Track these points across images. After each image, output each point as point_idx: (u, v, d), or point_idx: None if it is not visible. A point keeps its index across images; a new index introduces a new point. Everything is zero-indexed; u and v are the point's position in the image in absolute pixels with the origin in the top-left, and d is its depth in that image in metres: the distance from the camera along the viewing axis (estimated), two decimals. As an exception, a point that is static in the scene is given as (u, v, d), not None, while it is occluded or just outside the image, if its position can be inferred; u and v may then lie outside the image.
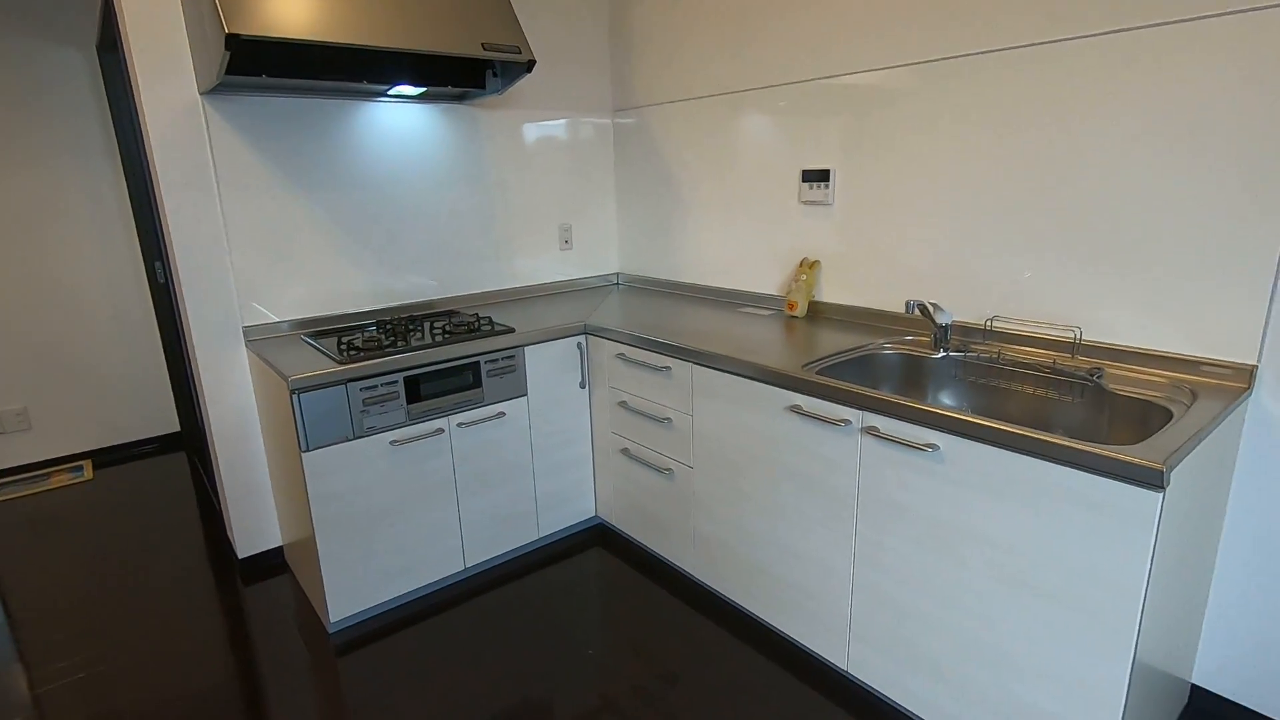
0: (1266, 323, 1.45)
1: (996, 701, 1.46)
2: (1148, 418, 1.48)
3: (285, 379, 1.82)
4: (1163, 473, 1.13)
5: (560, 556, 2.43)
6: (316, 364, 1.92)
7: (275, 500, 2.35)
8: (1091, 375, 1.62)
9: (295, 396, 1.82)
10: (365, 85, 2.14)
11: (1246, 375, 1.48)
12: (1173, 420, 1.34)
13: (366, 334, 2.21)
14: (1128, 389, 1.53)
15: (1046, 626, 1.34)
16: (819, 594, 1.78)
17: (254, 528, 2.36)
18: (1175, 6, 1.45)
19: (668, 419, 2.11)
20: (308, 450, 1.86)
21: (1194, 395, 1.44)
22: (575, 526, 2.57)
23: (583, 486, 2.50)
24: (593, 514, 2.57)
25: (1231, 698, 1.63)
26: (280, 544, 2.43)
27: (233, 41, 1.62)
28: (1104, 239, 1.63)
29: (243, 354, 2.22)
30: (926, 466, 1.47)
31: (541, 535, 2.44)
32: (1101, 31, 1.56)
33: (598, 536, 2.55)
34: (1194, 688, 1.69)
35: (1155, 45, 1.49)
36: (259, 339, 2.23)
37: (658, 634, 2.01)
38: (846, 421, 1.61)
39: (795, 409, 1.72)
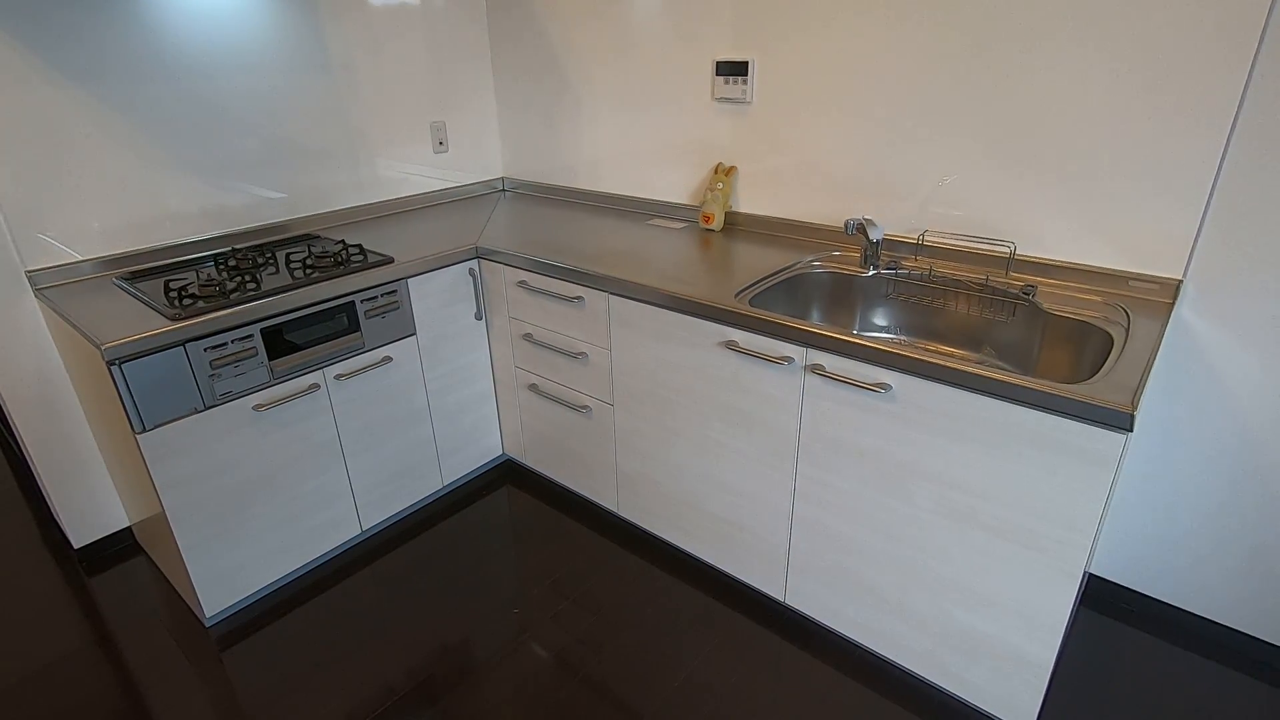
0: (1197, 237, 1.44)
1: (936, 626, 1.48)
2: (1084, 339, 1.46)
3: (98, 346, 1.41)
4: (1132, 416, 1.08)
5: (469, 500, 2.23)
6: (140, 320, 1.52)
7: (112, 477, 1.95)
8: (1025, 293, 1.57)
9: (116, 369, 1.43)
10: (151, -62, 1.60)
11: (1172, 290, 1.48)
12: (1116, 347, 1.32)
13: (203, 274, 1.78)
14: (1062, 308, 1.50)
15: (992, 558, 1.34)
16: (756, 529, 1.72)
17: (88, 511, 1.97)
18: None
19: (583, 354, 1.91)
20: (144, 431, 1.50)
21: (1128, 315, 1.43)
22: (483, 467, 2.37)
23: (487, 425, 2.28)
24: (500, 452, 2.36)
25: (1125, 583, 1.77)
26: (127, 524, 2.05)
27: None
28: (1038, 150, 1.54)
29: (32, 307, 1.74)
30: (876, 406, 1.38)
31: (446, 483, 2.22)
32: (1061, -94, 1.38)
33: (507, 474, 2.37)
34: (1090, 576, 1.82)
35: (1118, -74, 1.33)
36: (55, 285, 1.75)
37: (585, 573, 1.91)
38: (789, 359, 1.48)
39: (730, 344, 1.56)
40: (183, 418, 1.55)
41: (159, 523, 1.67)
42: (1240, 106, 1.31)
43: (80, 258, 1.78)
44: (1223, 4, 1.27)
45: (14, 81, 1.60)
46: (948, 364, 1.26)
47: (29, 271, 1.71)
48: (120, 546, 2.05)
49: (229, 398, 1.61)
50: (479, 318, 2.13)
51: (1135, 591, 1.76)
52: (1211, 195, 1.39)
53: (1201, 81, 1.33)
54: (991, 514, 1.31)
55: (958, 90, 1.60)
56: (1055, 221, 1.58)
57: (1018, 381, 1.19)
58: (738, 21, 1.90)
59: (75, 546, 1.98)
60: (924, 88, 1.65)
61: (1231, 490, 1.55)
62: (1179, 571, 1.68)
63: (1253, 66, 1.28)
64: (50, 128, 1.67)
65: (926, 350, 1.31)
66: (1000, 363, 1.63)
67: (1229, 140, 1.34)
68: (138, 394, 1.47)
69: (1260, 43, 1.26)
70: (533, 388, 2.11)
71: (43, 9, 1.60)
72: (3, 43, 1.57)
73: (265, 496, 1.75)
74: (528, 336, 2.04)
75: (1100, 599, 1.80)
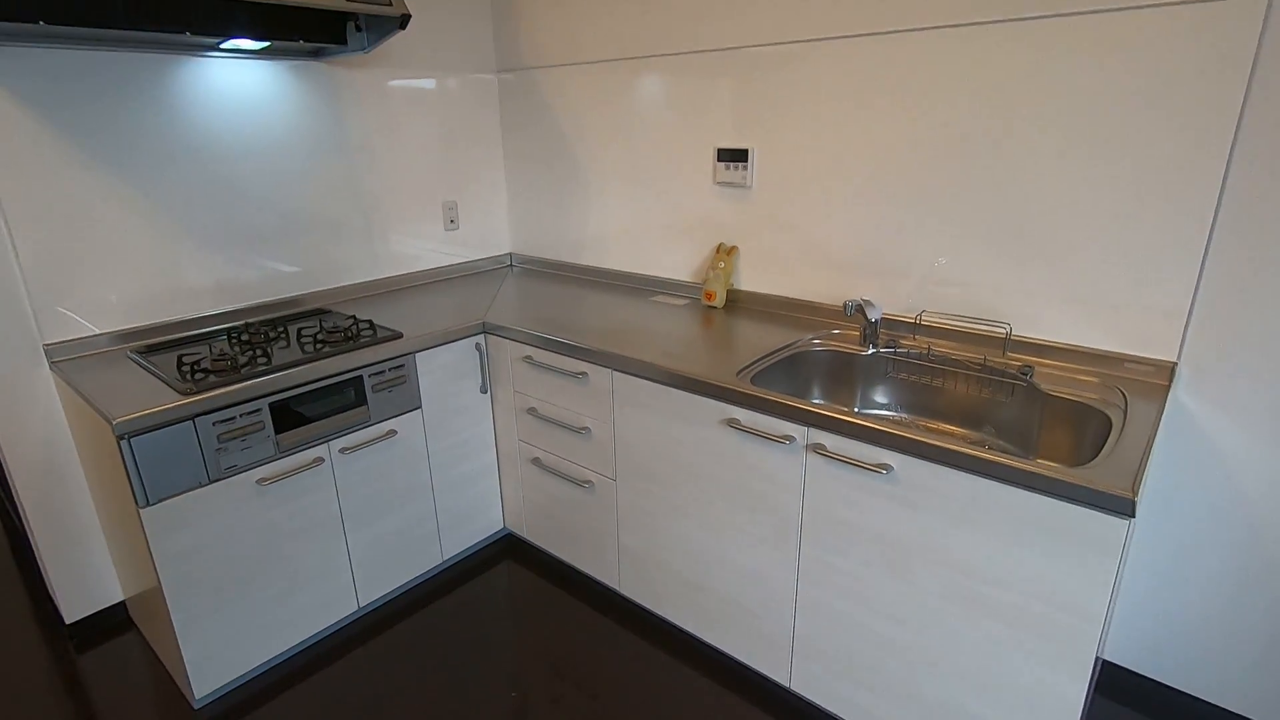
0: (1188, 321, 1.47)
1: (946, 715, 1.43)
2: (1082, 420, 1.47)
3: (109, 420, 1.44)
4: (1133, 501, 1.09)
5: (468, 576, 2.20)
6: (151, 394, 1.54)
7: (110, 550, 1.94)
8: (1023, 374, 1.60)
9: (125, 443, 1.45)
10: (189, 38, 1.71)
11: (1167, 372, 1.50)
12: (1115, 429, 1.33)
13: (216, 348, 1.82)
14: (1060, 389, 1.52)
15: (1001, 645, 1.31)
16: (760, 611, 1.69)
17: (83, 585, 1.94)
18: (1116, -6, 1.39)
19: (585, 429, 1.92)
20: (148, 505, 1.50)
21: (1125, 396, 1.45)
22: (483, 542, 2.34)
23: (489, 499, 2.27)
24: (501, 526, 2.34)
25: (1137, 670, 1.72)
26: (121, 598, 2.02)
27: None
28: (1031, 234, 1.59)
29: (46, 379, 1.77)
30: (878, 487, 1.39)
31: (446, 557, 2.19)
32: (1033, 15, 1.48)
33: (508, 549, 2.34)
34: (1103, 663, 1.77)
35: (1086, 35, 1.42)
36: (70, 358, 1.78)
37: (585, 654, 1.86)
38: (790, 438, 1.49)
39: (732, 422, 1.58)
40: (186, 492, 1.56)
41: (154, 597, 1.65)
42: (1221, 198, 1.37)
43: (97, 331, 1.83)
44: (1200, 103, 1.34)
45: (43, 164, 1.68)
46: (947, 445, 1.27)
47: (46, 345, 1.75)
48: (113, 622, 2.01)
49: (234, 471, 1.62)
50: (484, 391, 2.15)
51: (1152, 680, 1.70)
52: (1200, 280, 1.44)
53: (1185, 170, 1.39)
54: (997, 599, 1.29)
55: (951, 176, 1.67)
56: (1049, 303, 1.62)
57: (1016, 465, 1.19)
58: (738, 112, 2.00)
59: (67, 622, 1.95)
60: (918, 174, 1.72)
61: (1243, 575, 1.53)
62: (1194, 659, 1.64)
63: (1230, 159, 1.34)
64: (75, 206, 1.74)
65: (928, 429, 1.32)
66: (1001, 442, 1.64)
67: (1213, 228, 1.39)
68: (144, 468, 1.48)
69: (1235, 140, 1.33)
70: (535, 461, 2.12)
71: (78, 98, 1.70)
72: (43, 131, 1.66)
73: (263, 572, 1.73)
74: (532, 411, 2.06)
75: (1115, 686, 1.75)
